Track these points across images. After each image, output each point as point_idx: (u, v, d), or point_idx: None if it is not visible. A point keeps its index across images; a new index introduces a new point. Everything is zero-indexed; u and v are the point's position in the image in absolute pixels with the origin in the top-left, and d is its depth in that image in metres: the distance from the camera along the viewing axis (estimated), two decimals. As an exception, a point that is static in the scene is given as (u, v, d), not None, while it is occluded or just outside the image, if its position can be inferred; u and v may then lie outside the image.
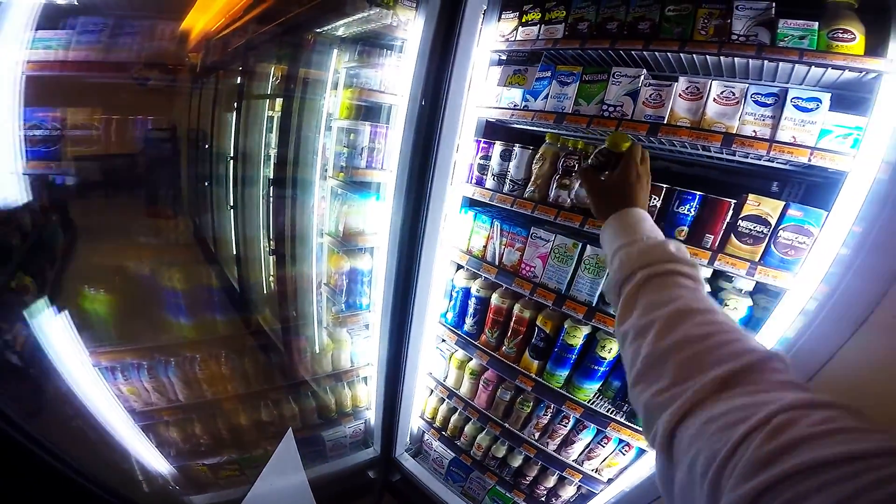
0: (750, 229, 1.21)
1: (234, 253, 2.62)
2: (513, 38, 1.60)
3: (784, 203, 1.16)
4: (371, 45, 1.78)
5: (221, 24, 1.95)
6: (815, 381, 1.02)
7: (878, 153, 0.97)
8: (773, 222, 1.17)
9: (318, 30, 1.78)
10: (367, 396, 2.27)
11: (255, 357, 2.03)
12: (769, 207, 1.18)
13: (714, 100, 1.27)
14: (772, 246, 1.17)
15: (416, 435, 2.34)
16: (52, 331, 1.41)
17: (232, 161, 2.53)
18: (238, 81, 2.42)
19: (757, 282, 1.21)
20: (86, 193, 1.92)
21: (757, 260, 1.19)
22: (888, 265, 0.90)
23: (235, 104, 2.42)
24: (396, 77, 1.71)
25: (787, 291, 1.13)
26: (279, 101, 2.24)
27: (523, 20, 1.58)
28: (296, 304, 2.22)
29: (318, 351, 2.11)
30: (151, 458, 1.51)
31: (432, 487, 2.16)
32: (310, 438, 2.14)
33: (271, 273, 2.55)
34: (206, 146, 2.53)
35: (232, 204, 2.60)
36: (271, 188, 2.32)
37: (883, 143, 0.96)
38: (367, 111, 1.89)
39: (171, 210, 2.47)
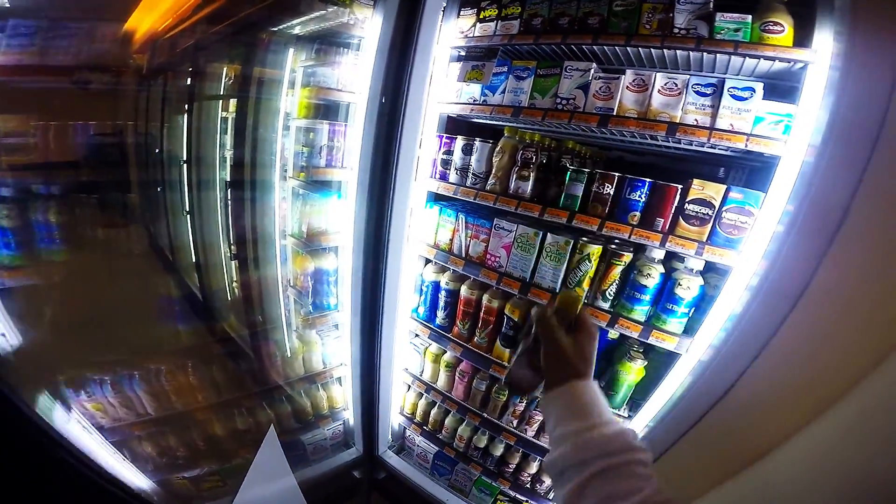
0: (696, 212, 1.29)
1: (194, 260, 2.53)
2: (471, 35, 1.63)
3: (726, 186, 1.25)
4: (328, 43, 1.76)
5: (169, 24, 1.87)
6: (763, 356, 1.11)
7: (805, 138, 1.07)
8: (717, 204, 1.26)
9: (272, 29, 1.74)
10: (342, 397, 2.26)
11: (223, 365, 1.99)
12: (713, 191, 1.27)
13: (658, 91, 1.35)
14: (717, 226, 1.27)
15: (398, 431, 2.35)
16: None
17: (185, 165, 2.44)
18: (188, 82, 2.32)
19: (706, 261, 1.31)
20: (26, 205, 1.81)
21: (704, 240, 1.29)
22: (818, 241, 0.99)
23: (186, 106, 2.32)
24: (354, 75, 1.70)
25: (733, 269, 1.22)
26: (233, 102, 2.19)
27: (481, 16, 1.61)
28: (262, 308, 2.18)
29: (288, 354, 2.09)
30: (129, 474, 1.46)
31: (419, 482, 2.17)
32: (289, 443, 2.11)
33: (234, 279, 2.48)
34: (157, 150, 2.43)
35: (188, 209, 2.51)
36: (229, 191, 2.26)
37: (810, 129, 1.06)
38: (326, 110, 1.87)
39: (121, 219, 2.36)
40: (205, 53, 2.17)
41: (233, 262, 2.44)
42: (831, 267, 0.99)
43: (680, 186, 1.33)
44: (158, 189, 2.54)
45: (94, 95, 1.89)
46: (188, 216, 2.54)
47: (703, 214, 1.28)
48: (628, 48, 1.38)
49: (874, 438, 0.86)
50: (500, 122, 1.77)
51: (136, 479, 1.48)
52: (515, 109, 1.56)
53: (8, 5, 1.46)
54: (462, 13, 1.65)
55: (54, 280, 1.76)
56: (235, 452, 1.95)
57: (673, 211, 1.34)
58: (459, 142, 1.74)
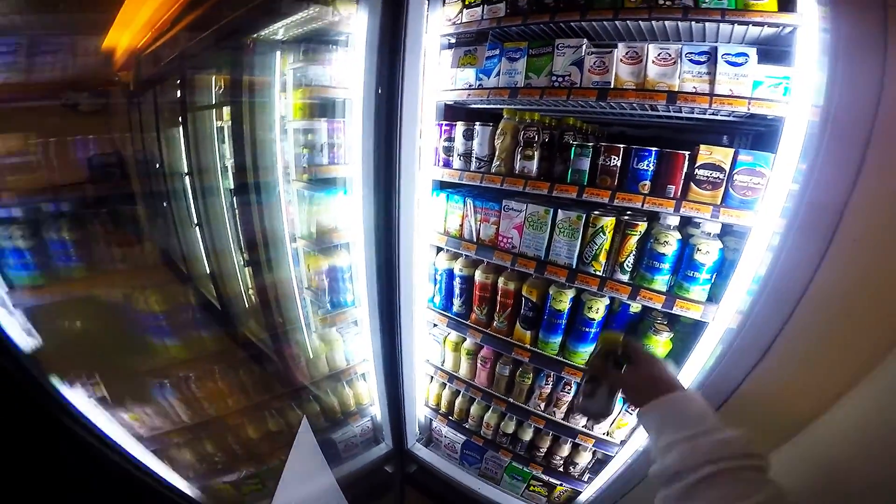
0: (707, 176, 1.30)
1: (208, 270, 2.56)
2: (459, 21, 1.63)
3: (734, 150, 1.26)
4: (316, 42, 1.74)
5: (149, 39, 1.86)
6: (796, 316, 1.09)
7: (807, 98, 1.07)
8: (727, 168, 1.27)
9: (256, 33, 1.72)
10: (368, 392, 2.28)
11: (250, 369, 2.03)
12: (721, 155, 1.28)
13: (653, 62, 1.35)
14: (730, 189, 1.28)
15: (425, 424, 2.37)
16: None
17: (188, 177, 2.45)
18: (178, 95, 2.31)
19: (723, 224, 1.32)
20: (36, 229, 1.84)
21: (719, 203, 1.30)
22: (836, 194, 0.99)
23: (180, 118, 2.32)
24: (347, 71, 1.69)
25: (751, 230, 1.23)
26: (227, 110, 2.18)
27: (466, 2, 1.60)
28: (280, 311, 2.21)
29: (312, 354, 2.11)
30: (174, 480, 1.52)
31: (450, 473, 2.19)
32: (321, 442, 2.09)
33: (250, 285, 2.51)
34: (157, 165, 2.44)
35: (196, 221, 2.53)
36: (234, 200, 2.27)
37: (810, 89, 1.06)
38: (322, 108, 1.87)
39: (132, 234, 2.38)
40: (190, 64, 2.16)
41: (246, 269, 2.47)
42: (856, 215, 0.98)
43: (687, 153, 1.33)
44: (164, 203, 2.56)
45: (85, 115, 1.90)
46: (197, 227, 2.56)
47: (715, 178, 1.29)
48: (616, 22, 1.38)
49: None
50: (499, 105, 1.76)
51: (183, 485, 1.54)
52: (512, 90, 1.56)
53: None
54: (447, 1, 1.64)
55: (74, 296, 1.79)
56: (271, 454, 2.00)
57: (683, 177, 1.35)
58: (460, 128, 1.74)
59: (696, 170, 1.31)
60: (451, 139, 1.78)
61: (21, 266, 1.67)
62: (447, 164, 1.81)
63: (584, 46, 1.44)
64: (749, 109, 1.19)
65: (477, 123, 1.70)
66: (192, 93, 2.30)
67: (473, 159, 1.74)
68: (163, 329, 1.94)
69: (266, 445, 2.01)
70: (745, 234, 1.25)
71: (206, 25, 1.77)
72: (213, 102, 2.30)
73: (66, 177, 1.98)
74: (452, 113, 1.90)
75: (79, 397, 1.32)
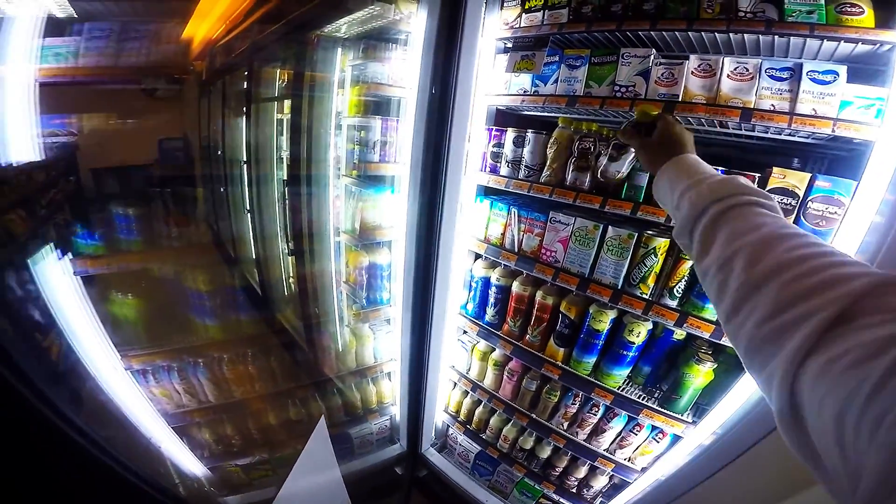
0: (778, 202, 1.18)
1: (254, 255, 2.65)
2: (517, 25, 1.58)
3: (811, 174, 1.14)
4: (376, 39, 1.77)
5: (223, 31, 1.96)
6: None
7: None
8: (801, 194, 1.15)
9: (321, 29, 1.77)
10: (391, 392, 2.28)
11: (280, 356, 2.07)
12: (795, 179, 1.16)
13: (728, 76, 1.25)
14: (802, 217, 1.16)
15: (441, 429, 2.34)
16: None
17: (245, 165, 2.55)
18: (245, 86, 2.43)
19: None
20: (104, 204, 1.96)
21: (787, 233, 1.17)
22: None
23: (244, 108, 2.42)
24: (404, 70, 1.71)
25: None
26: (287, 103, 2.25)
27: (526, 7, 1.56)
28: (317, 302, 2.24)
29: (341, 348, 2.13)
30: (186, 459, 1.55)
31: (459, 482, 2.16)
32: (337, 436, 2.16)
33: (291, 273, 2.58)
34: (219, 152, 2.57)
35: (248, 207, 2.63)
36: (286, 189, 2.34)
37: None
38: (377, 105, 1.89)
39: (189, 217, 2.51)
40: (258, 57, 2.26)
41: (290, 258, 2.54)
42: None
43: (757, 175, 1.22)
44: (221, 189, 2.69)
45: (161, 100, 2.02)
46: (248, 214, 2.66)
47: (786, 205, 1.17)
48: (690, 33, 1.29)
49: None
50: (553, 114, 1.71)
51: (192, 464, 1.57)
52: (570, 99, 1.50)
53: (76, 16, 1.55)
54: (506, 4, 1.61)
55: (130, 269, 1.89)
56: (286, 442, 2.02)
57: (750, 202, 1.24)
58: (510, 134, 1.69)
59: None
60: (500, 145, 1.74)
61: (86, 236, 1.76)
62: (494, 171, 1.77)
63: (651, 56, 1.36)
64: (834, 131, 1.07)
65: (529, 130, 1.65)
66: (258, 84, 2.40)
67: (522, 167, 1.68)
68: (205, 308, 2.01)
69: (283, 433, 2.04)
70: None
71: (275, 19, 1.84)
72: (276, 95, 2.39)
73: (137, 157, 2.12)
74: (503, 118, 1.86)
75: (111, 367, 1.39)
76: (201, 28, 1.91)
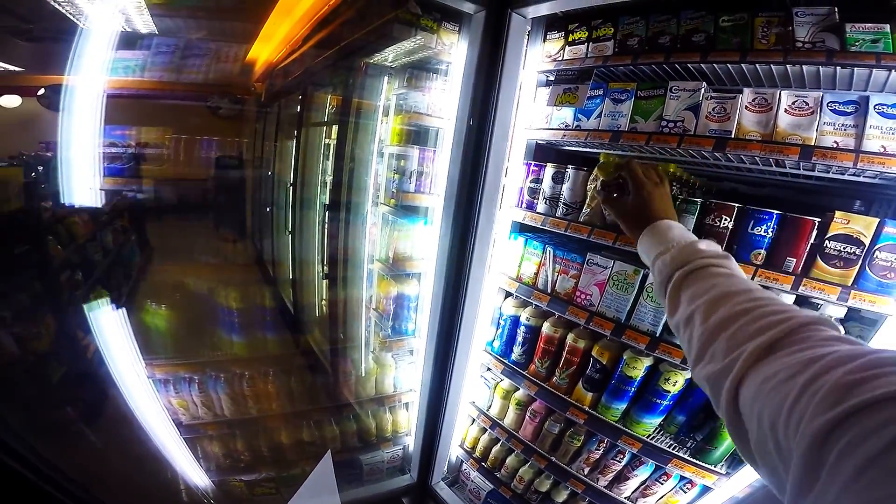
0: (839, 250, 1.06)
1: (290, 276, 2.71)
2: (560, 58, 1.57)
3: (878, 220, 1.02)
4: (418, 68, 1.81)
5: (283, 54, 2.08)
6: None
7: None
8: (867, 242, 1.03)
9: (369, 57, 1.84)
10: (407, 422, 2.22)
11: (301, 377, 2.06)
12: (861, 225, 1.04)
13: (785, 110, 1.16)
14: (867, 268, 1.03)
15: (455, 464, 2.25)
16: (118, 343, 1.48)
17: (291, 188, 2.66)
18: (297, 109, 2.55)
19: (849, 307, 1.06)
20: (160, 215, 2.08)
21: (849, 284, 1.05)
22: None
23: (295, 132, 2.55)
24: (443, 100, 1.73)
25: (886, 318, 0.99)
26: (335, 129, 2.35)
27: (569, 39, 1.55)
28: (345, 327, 2.24)
29: (362, 374, 2.10)
30: (191, 470, 1.53)
31: None
32: (348, 461, 2.11)
33: (323, 296, 2.60)
34: (269, 173, 2.69)
35: (290, 229, 2.72)
36: (326, 214, 2.40)
37: None
38: (416, 135, 1.91)
39: (235, 234, 2.62)
40: (312, 81, 2.38)
41: (324, 281, 2.57)
42: None
43: (817, 220, 1.11)
44: (268, 209, 2.80)
45: (223, 119, 2.16)
46: (290, 235, 2.74)
47: (849, 254, 1.05)
48: (743, 65, 1.22)
49: None
50: (595, 149, 1.66)
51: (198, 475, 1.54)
52: (615, 134, 1.44)
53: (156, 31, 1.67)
54: (549, 37, 1.60)
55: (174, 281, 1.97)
56: (295, 463, 1.98)
57: (808, 249, 1.12)
58: (549, 169, 1.64)
59: (827, 241, 1.08)
60: (538, 180, 1.69)
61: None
62: (530, 207, 1.72)
63: (702, 90, 1.29)
64: (907, 171, 0.96)
65: (569, 166, 1.59)
66: (309, 109, 2.53)
67: (560, 205, 1.62)
68: (234, 325, 2.04)
69: (294, 453, 2.00)
70: (877, 323, 1.02)
71: (329, 45, 1.93)
72: (325, 120, 2.50)
73: (193, 171, 2.25)
74: (542, 153, 1.82)
75: (134, 374, 1.41)
76: (264, 51, 2.04)
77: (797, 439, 0.42)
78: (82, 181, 1.47)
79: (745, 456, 0.56)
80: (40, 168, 1.85)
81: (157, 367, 1.67)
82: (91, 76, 1.36)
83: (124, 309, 1.59)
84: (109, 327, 1.48)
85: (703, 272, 0.80)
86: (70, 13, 1.33)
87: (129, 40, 1.60)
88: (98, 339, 1.42)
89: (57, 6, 1.30)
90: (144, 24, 1.63)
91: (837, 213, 1.07)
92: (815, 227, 1.11)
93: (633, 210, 1.08)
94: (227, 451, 1.87)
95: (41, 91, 1.78)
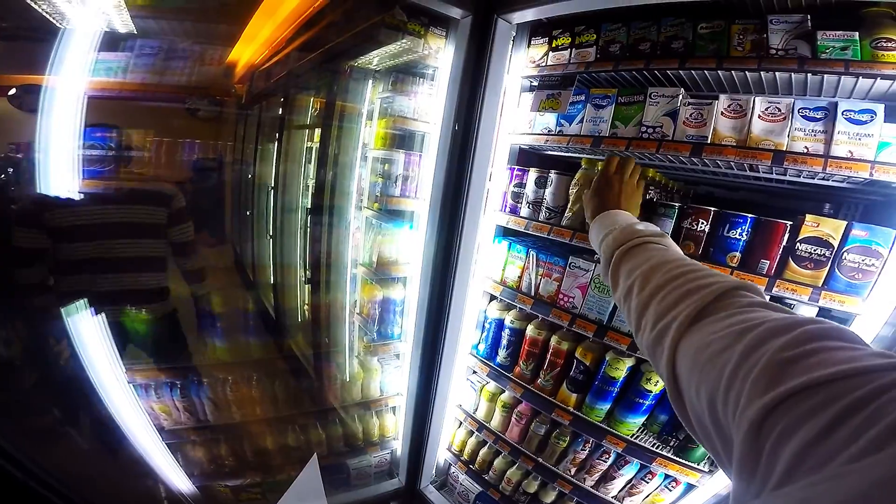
0: (810, 252, 1.11)
1: (272, 280, 2.67)
2: (543, 64, 1.60)
3: (846, 223, 1.07)
4: (404, 73, 1.82)
5: (265, 56, 2.05)
6: None
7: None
8: (836, 244, 1.07)
9: (354, 60, 1.84)
10: (394, 426, 2.22)
11: (285, 381, 2.03)
12: (830, 228, 1.08)
13: (759, 116, 1.20)
14: (836, 269, 1.07)
15: (443, 467, 2.25)
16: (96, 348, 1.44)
17: (273, 191, 2.63)
18: (279, 112, 2.52)
19: (820, 307, 1.11)
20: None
21: (820, 285, 1.09)
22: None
23: (277, 135, 2.52)
24: (429, 105, 1.73)
25: (856, 317, 1.04)
26: (317, 132, 2.33)
27: (553, 45, 1.58)
28: (328, 331, 2.22)
29: (348, 378, 2.09)
30: (175, 476, 1.50)
31: None
32: (334, 466, 2.10)
33: (306, 301, 2.57)
34: (250, 176, 2.65)
35: (271, 233, 2.68)
36: (309, 218, 2.37)
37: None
38: (401, 139, 1.92)
39: (215, 237, 2.56)
40: (294, 84, 2.35)
41: (306, 286, 2.54)
42: None
43: (789, 223, 1.16)
44: (248, 213, 2.76)
45: (201, 121, 2.12)
46: (271, 239, 2.71)
47: (819, 255, 1.09)
48: (719, 72, 1.27)
49: None
50: (577, 154, 1.69)
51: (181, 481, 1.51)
52: (595, 139, 1.47)
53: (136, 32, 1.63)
54: (533, 42, 1.63)
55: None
56: (281, 468, 1.96)
57: (781, 251, 1.17)
58: (532, 174, 1.67)
59: (798, 244, 1.13)
60: (521, 185, 1.71)
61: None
62: (514, 211, 1.74)
63: (680, 96, 1.33)
64: (871, 175, 1.01)
65: (552, 171, 1.61)
66: (291, 112, 2.50)
67: (543, 209, 1.64)
68: (216, 330, 2.00)
69: (279, 458, 1.97)
70: (847, 322, 1.06)
71: (313, 47, 1.91)
72: (307, 123, 2.48)
73: (171, 174, 2.19)
74: (526, 158, 1.84)
75: (113, 378, 1.37)
76: (246, 52, 2.01)
77: (736, 422, 0.43)
78: (59, 183, 1.42)
79: (687, 427, 0.57)
80: (10, 170, 1.79)
81: (137, 372, 1.62)
82: (67, 76, 1.32)
83: (102, 314, 1.54)
84: (86, 332, 1.43)
85: (639, 248, 0.85)
86: (46, 11, 1.29)
87: (108, 41, 1.54)
88: (75, 345, 1.38)
89: (32, 3, 1.26)
90: (123, 24, 1.59)
91: (808, 217, 1.12)
92: (787, 230, 1.16)
93: (589, 199, 1.18)
94: (211, 456, 1.84)
95: (12, 91, 1.72)
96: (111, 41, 1.58)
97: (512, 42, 1.58)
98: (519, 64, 1.63)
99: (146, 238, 1.83)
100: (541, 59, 1.61)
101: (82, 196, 1.58)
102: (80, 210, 1.65)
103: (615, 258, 0.88)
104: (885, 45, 1.02)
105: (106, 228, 1.71)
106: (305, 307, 2.54)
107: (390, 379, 2.13)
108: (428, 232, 1.76)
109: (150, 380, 1.68)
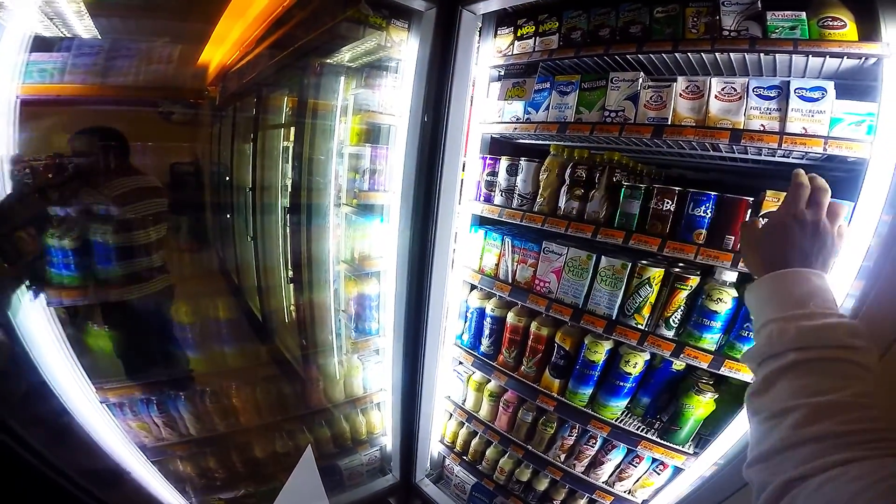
0: (772, 227, 1.13)
1: (256, 283, 2.66)
2: (510, 53, 1.61)
3: (805, 197, 1.08)
4: (372, 67, 1.81)
5: (237, 56, 2.03)
6: None
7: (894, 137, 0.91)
8: (796, 218, 1.09)
9: (323, 57, 1.82)
10: (381, 423, 2.22)
11: (266, 387, 2.01)
12: (789, 202, 1.10)
13: (716, 97, 1.22)
14: (798, 243, 1.09)
15: (437, 460, 2.27)
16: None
17: (251, 192, 2.62)
18: (253, 113, 2.50)
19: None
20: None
21: (783, 258, 1.11)
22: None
23: (252, 135, 2.50)
24: (394, 97, 1.73)
25: None
26: (293, 131, 2.31)
27: (518, 34, 1.58)
28: (314, 331, 2.21)
29: (337, 377, 2.08)
30: (167, 494, 1.49)
31: None
32: (326, 468, 2.09)
33: (291, 301, 2.57)
34: (227, 178, 2.64)
35: (252, 235, 2.67)
36: (288, 218, 2.36)
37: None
38: (369, 134, 1.92)
39: (195, 242, 2.54)
40: (267, 83, 2.33)
41: (290, 286, 2.54)
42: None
43: (751, 199, 1.18)
44: (227, 215, 2.74)
45: (176, 124, 2.09)
46: (252, 241, 2.69)
47: (781, 231, 1.12)
48: (676, 54, 1.28)
49: None
50: (545, 141, 1.70)
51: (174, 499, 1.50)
52: (561, 125, 1.49)
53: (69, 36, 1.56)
54: (499, 32, 1.63)
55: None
56: (273, 475, 1.94)
57: (745, 227, 1.19)
58: (504, 162, 1.68)
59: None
60: (494, 173, 1.72)
61: (63, 266, 1.64)
62: (488, 200, 1.75)
63: (640, 80, 1.35)
64: (826, 150, 1.03)
65: (522, 159, 1.63)
66: (266, 111, 2.48)
67: (516, 196, 1.66)
68: (189, 341, 1.97)
69: (270, 466, 1.96)
70: None
71: (282, 45, 1.89)
72: (282, 122, 2.46)
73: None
74: (498, 147, 1.85)
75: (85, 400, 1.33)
76: (217, 53, 1.98)
77: None
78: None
79: None
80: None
81: (109, 391, 1.59)
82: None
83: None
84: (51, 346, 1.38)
85: (826, 366, 0.61)
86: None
87: (47, 43, 1.48)
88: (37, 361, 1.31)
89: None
90: (86, 28, 1.55)
91: (768, 192, 1.14)
92: (750, 206, 1.18)
93: (766, 236, 0.81)
94: (200, 470, 1.82)
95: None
96: (77, 45, 1.52)
97: (479, 32, 1.58)
98: (487, 54, 1.63)
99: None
100: (507, 48, 1.61)
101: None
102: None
103: (787, 361, 0.63)
104: (830, 23, 1.05)
105: None
106: (291, 308, 2.54)
107: (372, 375, 2.13)
108: (401, 224, 1.76)
109: (123, 398, 1.65)
